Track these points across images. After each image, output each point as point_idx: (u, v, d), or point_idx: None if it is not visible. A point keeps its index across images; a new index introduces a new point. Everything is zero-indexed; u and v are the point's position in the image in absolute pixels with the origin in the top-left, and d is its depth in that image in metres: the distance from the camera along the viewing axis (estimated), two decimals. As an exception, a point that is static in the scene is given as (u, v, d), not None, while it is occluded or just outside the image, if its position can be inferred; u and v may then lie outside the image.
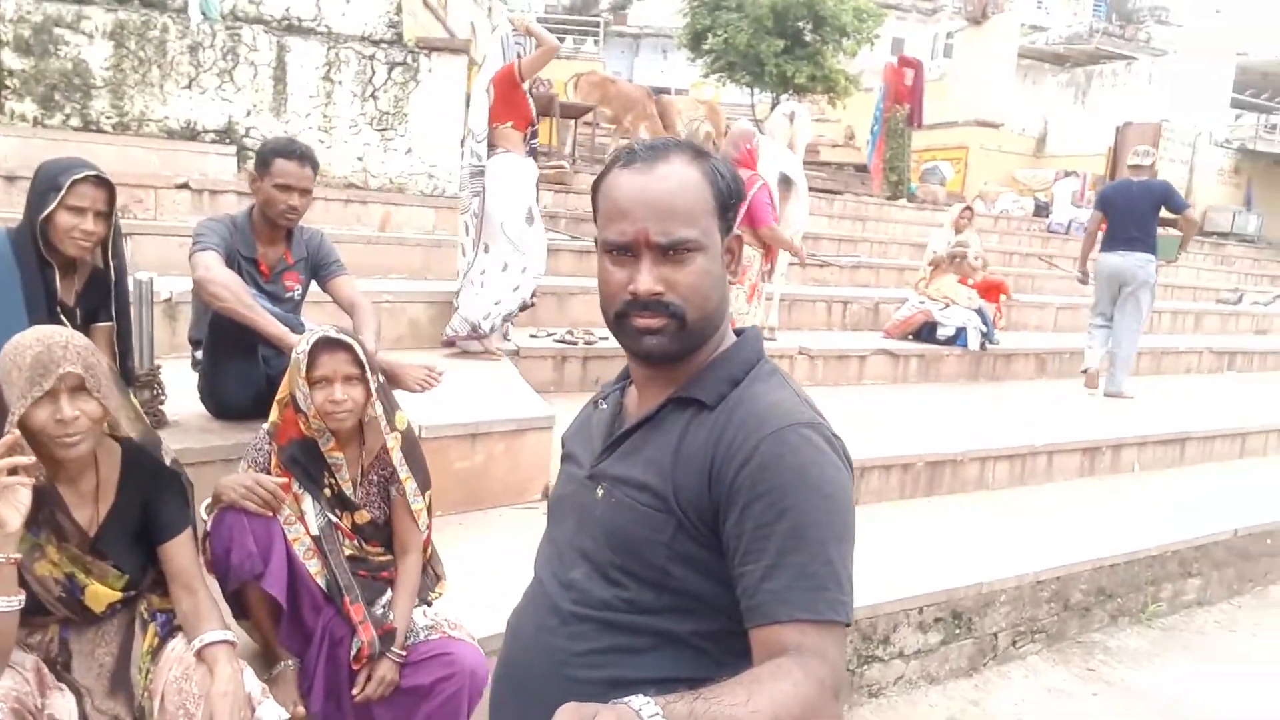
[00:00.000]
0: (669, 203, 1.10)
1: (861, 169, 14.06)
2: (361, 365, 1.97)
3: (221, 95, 5.70)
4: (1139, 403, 6.05)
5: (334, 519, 2.00)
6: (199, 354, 2.87)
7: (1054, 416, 5.38)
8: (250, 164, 2.86)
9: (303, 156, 2.71)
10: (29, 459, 1.51)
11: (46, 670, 1.64)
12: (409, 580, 2.03)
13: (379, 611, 1.98)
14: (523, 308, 4.57)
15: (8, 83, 5.22)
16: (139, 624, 1.76)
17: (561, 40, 5.38)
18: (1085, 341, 6.57)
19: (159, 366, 2.82)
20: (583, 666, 1.13)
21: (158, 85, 5.56)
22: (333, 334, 1.98)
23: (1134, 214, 6.09)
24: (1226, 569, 4.16)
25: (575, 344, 4.91)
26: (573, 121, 10.89)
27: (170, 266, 3.82)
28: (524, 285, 4.47)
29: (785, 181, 5.60)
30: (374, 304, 2.89)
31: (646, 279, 1.09)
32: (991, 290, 6.78)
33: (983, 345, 6.39)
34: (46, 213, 2.24)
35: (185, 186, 5.20)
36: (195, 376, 2.87)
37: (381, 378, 2.10)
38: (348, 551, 2.00)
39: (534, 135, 4.64)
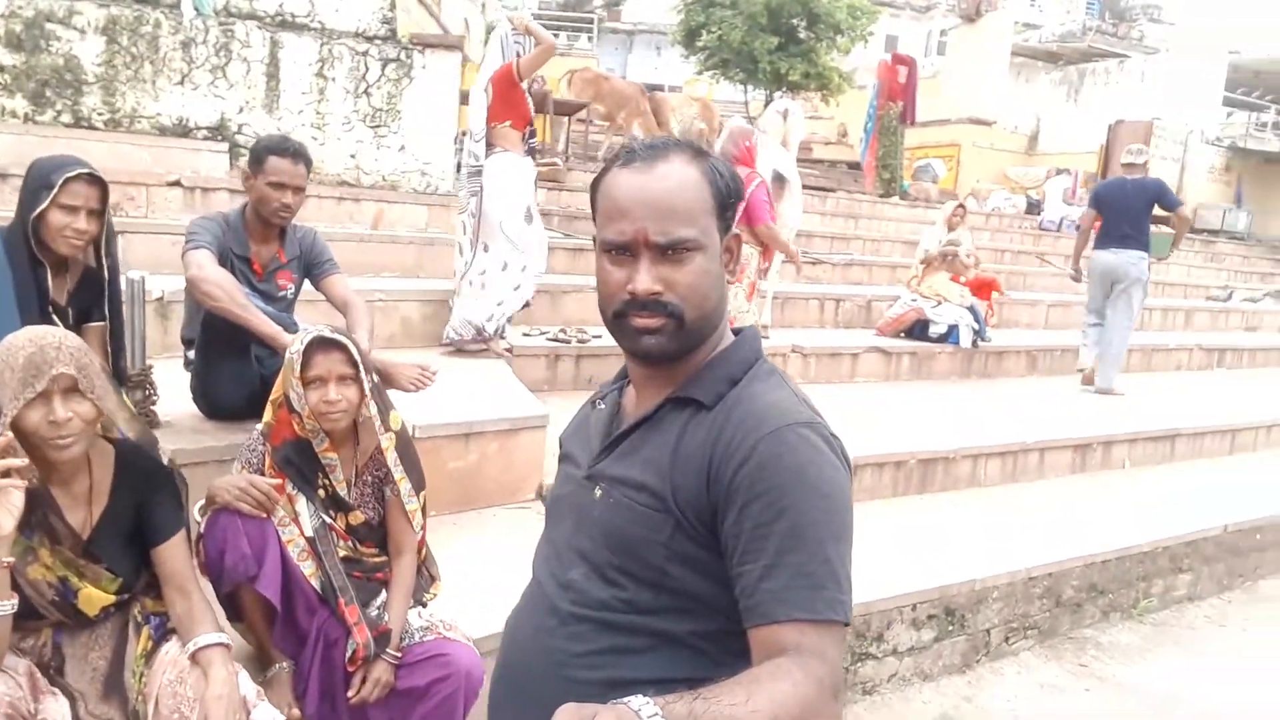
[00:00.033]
0: (668, 202, 1.09)
1: (854, 166, 14.11)
2: (356, 365, 1.96)
3: (214, 92, 5.66)
4: (1130, 400, 6.08)
5: (328, 520, 1.99)
6: (191, 354, 2.85)
7: (1045, 414, 5.40)
8: (243, 161, 2.84)
9: (296, 154, 2.69)
10: (21, 461, 1.50)
11: (39, 674, 1.63)
12: (404, 581, 2.02)
13: (374, 613, 1.97)
14: (523, 306, 4.57)
15: (-2, 79, 5.18)
16: (133, 627, 1.75)
17: (555, 36, 5.37)
18: (1080, 340, 6.60)
19: (151, 366, 2.80)
20: (581, 667, 1.13)
21: (150, 81, 5.51)
22: (327, 333, 1.97)
23: (1128, 212, 6.13)
24: (1217, 564, 4.19)
25: (569, 342, 4.90)
26: (566, 119, 10.87)
27: (162, 265, 3.79)
28: (525, 284, 4.46)
29: (779, 179, 5.60)
30: (367, 302, 2.88)
31: (645, 279, 1.09)
32: (983, 288, 6.79)
33: (975, 343, 6.41)
34: (39, 211, 2.22)
35: (177, 184, 5.16)
36: (188, 376, 2.85)
37: (376, 377, 2.09)
38: (342, 553, 1.99)
39: (532, 134, 4.63)
